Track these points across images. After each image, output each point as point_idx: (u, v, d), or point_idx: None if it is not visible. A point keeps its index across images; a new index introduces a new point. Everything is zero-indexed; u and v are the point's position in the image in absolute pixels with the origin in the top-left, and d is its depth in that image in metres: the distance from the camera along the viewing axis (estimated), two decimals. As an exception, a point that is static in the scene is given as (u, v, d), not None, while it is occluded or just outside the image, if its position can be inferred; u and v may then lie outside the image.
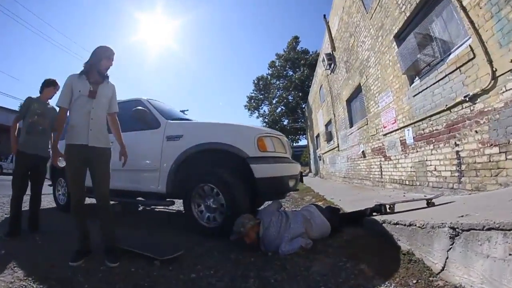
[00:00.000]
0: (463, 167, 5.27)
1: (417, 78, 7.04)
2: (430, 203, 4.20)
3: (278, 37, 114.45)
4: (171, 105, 6.06)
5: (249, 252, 3.37)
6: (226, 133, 4.22)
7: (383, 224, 3.55)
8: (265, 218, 3.65)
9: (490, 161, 4.59)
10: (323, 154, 21.76)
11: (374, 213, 4.18)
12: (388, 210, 4.07)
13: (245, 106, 49.10)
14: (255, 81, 49.53)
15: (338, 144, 15.91)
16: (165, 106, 5.63)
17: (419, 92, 6.74)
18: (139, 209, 7.67)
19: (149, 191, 4.80)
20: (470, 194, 4.86)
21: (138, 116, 4.61)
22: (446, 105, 5.63)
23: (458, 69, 5.23)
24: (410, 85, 7.21)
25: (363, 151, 11.16)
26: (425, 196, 5.04)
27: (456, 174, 5.49)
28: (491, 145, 4.53)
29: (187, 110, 38.10)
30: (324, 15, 15.75)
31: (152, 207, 7.63)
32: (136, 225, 5.26)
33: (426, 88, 6.39)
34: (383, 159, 9.20)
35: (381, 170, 9.47)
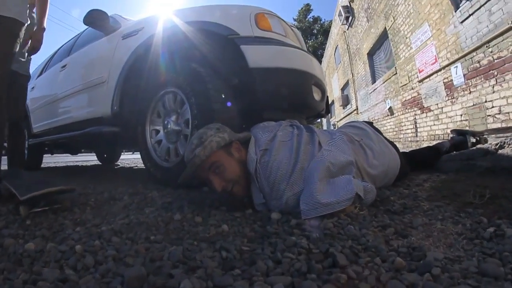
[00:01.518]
0: None
1: (463, 1, 5.84)
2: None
3: (288, 5, 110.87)
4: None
5: (223, 212, 1.65)
6: (207, 12, 2.74)
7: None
8: (262, 134, 1.82)
9: None
10: (337, 122, 20.87)
11: (454, 151, 2.72)
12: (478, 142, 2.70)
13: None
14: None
15: (357, 107, 15.00)
16: None
17: (469, 16, 5.51)
18: (116, 167, 6.62)
19: (88, 119, 3.45)
20: None
21: (91, 19, 3.34)
22: None
23: None
24: (456, 10, 6.02)
25: (390, 108, 10.05)
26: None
27: None
28: None
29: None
30: (340, -36, 14.87)
31: (134, 165, 6.65)
32: (94, 178, 4.01)
33: (480, 7, 5.19)
34: (418, 111, 8.07)
35: (415, 126, 8.33)
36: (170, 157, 2.67)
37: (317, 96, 2.70)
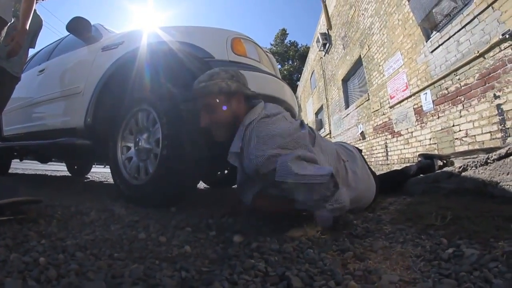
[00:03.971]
0: (508, 123, 4.20)
1: (434, 32, 6.10)
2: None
3: (267, 29, 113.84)
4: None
5: (187, 233, 1.58)
6: (186, 32, 2.73)
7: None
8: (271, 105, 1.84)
9: (549, 107, 3.64)
10: (310, 145, 20.76)
11: (421, 174, 2.69)
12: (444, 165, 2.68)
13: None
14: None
15: (330, 131, 15.09)
16: None
17: (439, 46, 5.72)
18: (86, 180, 6.37)
19: (61, 128, 3.31)
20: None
21: (74, 26, 3.27)
22: (478, 51, 4.65)
23: (490, 6, 4.42)
24: (427, 41, 6.23)
25: (362, 132, 10.13)
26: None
27: (499, 135, 4.36)
28: (548, 85, 3.61)
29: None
30: (322, -7, 15.17)
31: (104, 179, 6.40)
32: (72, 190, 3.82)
33: (449, 38, 5.42)
34: (389, 136, 8.16)
35: (386, 150, 8.40)
36: (139, 175, 2.57)
37: None
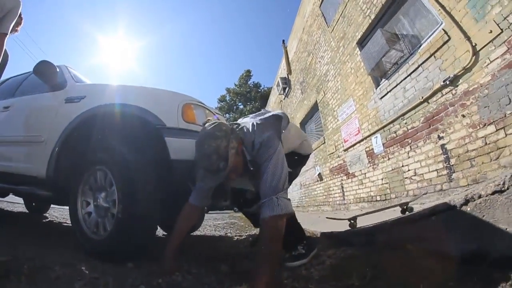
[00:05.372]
0: (452, 161, 4.45)
1: (383, 80, 6.44)
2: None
3: (234, 69, 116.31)
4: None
5: None
6: (141, 96, 2.81)
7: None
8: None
9: (486, 144, 3.88)
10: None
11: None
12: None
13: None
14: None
15: (289, 172, 14.86)
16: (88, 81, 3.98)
17: (387, 93, 6.03)
18: (45, 220, 5.81)
19: (22, 174, 3.21)
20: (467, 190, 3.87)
21: (41, 70, 3.26)
22: (422, 97, 4.98)
23: (433, 56, 4.81)
24: (376, 88, 6.56)
25: (319, 174, 10.21)
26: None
27: (445, 171, 4.57)
28: (485, 124, 3.88)
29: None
30: (283, 40, 15.61)
31: (63, 219, 5.92)
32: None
33: (396, 86, 5.73)
34: (344, 177, 8.29)
35: (342, 190, 8.49)
36: (98, 230, 2.55)
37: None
